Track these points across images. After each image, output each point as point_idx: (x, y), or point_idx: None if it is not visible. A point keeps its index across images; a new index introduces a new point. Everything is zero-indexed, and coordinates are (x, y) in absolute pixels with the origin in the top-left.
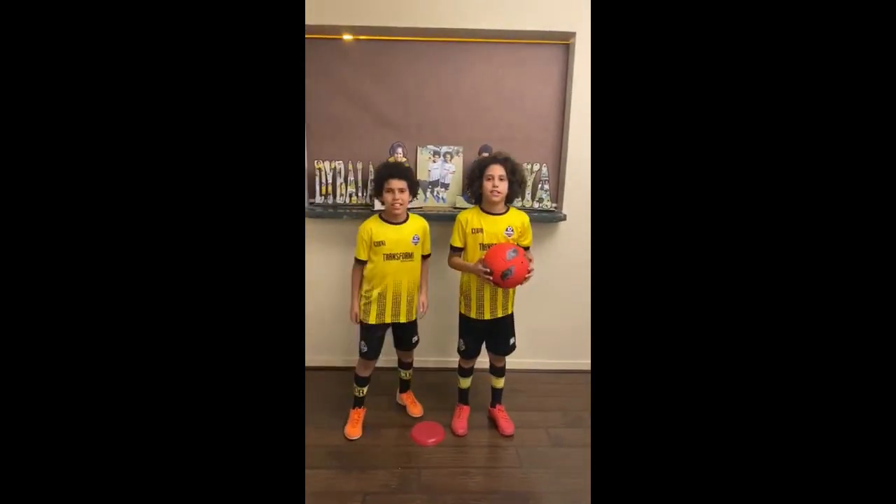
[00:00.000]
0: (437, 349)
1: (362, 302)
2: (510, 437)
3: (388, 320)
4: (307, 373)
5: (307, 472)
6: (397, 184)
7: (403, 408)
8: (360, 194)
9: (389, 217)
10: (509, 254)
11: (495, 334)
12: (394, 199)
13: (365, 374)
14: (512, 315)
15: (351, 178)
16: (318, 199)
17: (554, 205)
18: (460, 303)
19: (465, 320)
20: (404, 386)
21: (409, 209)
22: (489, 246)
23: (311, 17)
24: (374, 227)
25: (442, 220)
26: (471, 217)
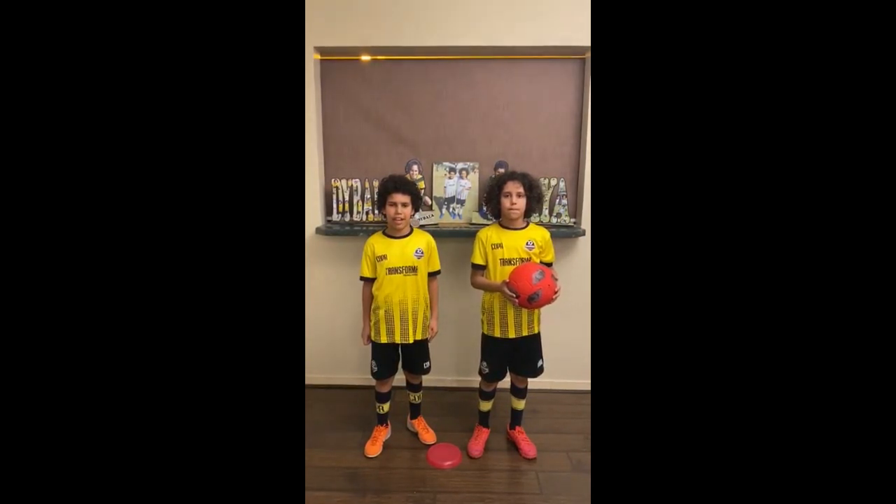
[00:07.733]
0: (457, 369)
1: (372, 320)
2: (532, 460)
3: (397, 340)
4: (326, 392)
5: (320, 494)
6: (400, 198)
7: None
8: (376, 212)
9: (392, 231)
10: (535, 276)
11: (521, 355)
12: (396, 213)
13: (383, 390)
14: (539, 335)
15: (367, 195)
16: (335, 217)
17: (572, 220)
18: (483, 322)
19: (487, 341)
20: (414, 411)
21: (424, 226)
22: (510, 261)
23: (329, 39)
24: (376, 243)
25: (458, 237)
26: (491, 233)
